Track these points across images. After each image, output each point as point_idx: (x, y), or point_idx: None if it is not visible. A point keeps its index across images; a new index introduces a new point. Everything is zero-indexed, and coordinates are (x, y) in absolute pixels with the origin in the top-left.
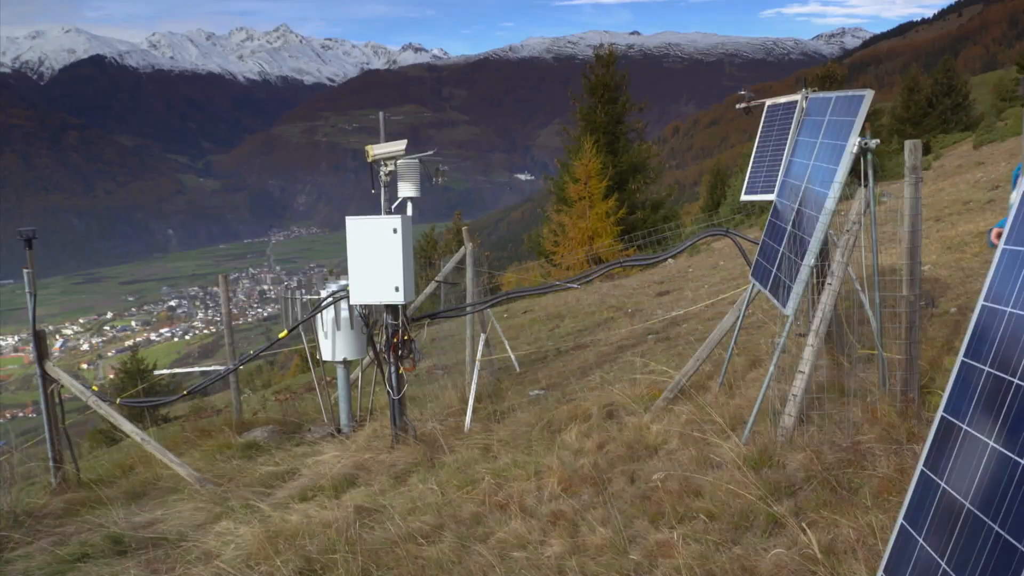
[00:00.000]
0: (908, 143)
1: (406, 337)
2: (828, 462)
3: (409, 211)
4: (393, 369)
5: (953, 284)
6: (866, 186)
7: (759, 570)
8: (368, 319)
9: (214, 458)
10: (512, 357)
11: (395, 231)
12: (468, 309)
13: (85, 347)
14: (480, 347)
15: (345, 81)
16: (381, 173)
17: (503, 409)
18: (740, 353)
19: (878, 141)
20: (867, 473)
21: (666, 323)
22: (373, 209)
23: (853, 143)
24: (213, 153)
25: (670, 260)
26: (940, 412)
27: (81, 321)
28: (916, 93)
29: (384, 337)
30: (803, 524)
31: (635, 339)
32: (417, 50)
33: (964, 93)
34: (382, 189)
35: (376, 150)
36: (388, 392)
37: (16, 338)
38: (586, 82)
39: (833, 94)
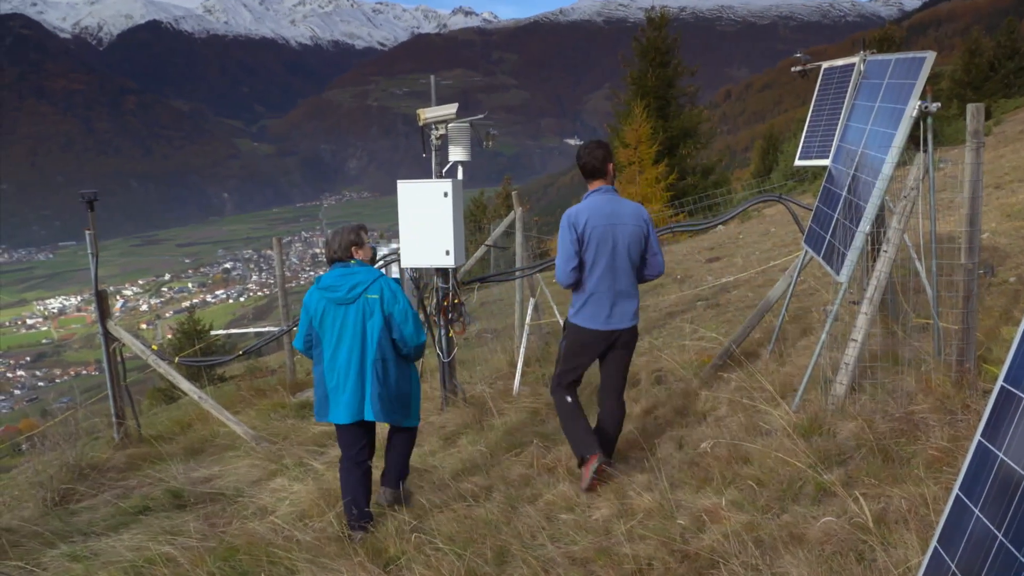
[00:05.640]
0: (970, 107)
1: (456, 300)
2: (880, 431)
3: (460, 175)
4: (443, 332)
5: (1013, 253)
6: (925, 151)
7: (808, 538)
8: (419, 282)
9: (269, 417)
10: (560, 321)
11: (446, 195)
12: (517, 273)
13: (144, 308)
14: (529, 311)
15: (396, 45)
16: (432, 137)
17: (551, 373)
18: (791, 321)
19: (939, 105)
20: (920, 444)
21: (716, 290)
22: (424, 173)
23: (912, 107)
24: (266, 118)
25: (720, 226)
26: (1000, 382)
27: (140, 282)
28: (977, 56)
29: (434, 300)
30: (855, 493)
31: (684, 305)
32: (467, 14)
33: None
34: (433, 153)
35: (427, 114)
36: (438, 355)
37: (79, 298)
38: (637, 45)
39: (892, 56)
